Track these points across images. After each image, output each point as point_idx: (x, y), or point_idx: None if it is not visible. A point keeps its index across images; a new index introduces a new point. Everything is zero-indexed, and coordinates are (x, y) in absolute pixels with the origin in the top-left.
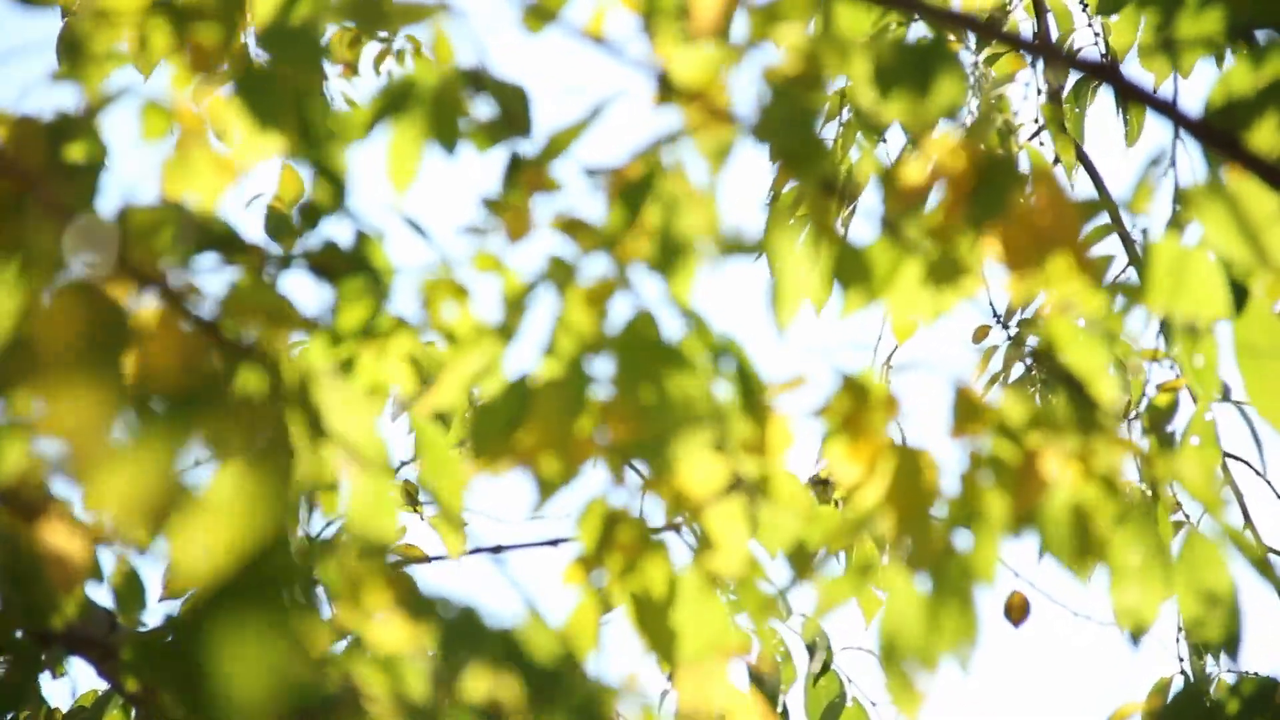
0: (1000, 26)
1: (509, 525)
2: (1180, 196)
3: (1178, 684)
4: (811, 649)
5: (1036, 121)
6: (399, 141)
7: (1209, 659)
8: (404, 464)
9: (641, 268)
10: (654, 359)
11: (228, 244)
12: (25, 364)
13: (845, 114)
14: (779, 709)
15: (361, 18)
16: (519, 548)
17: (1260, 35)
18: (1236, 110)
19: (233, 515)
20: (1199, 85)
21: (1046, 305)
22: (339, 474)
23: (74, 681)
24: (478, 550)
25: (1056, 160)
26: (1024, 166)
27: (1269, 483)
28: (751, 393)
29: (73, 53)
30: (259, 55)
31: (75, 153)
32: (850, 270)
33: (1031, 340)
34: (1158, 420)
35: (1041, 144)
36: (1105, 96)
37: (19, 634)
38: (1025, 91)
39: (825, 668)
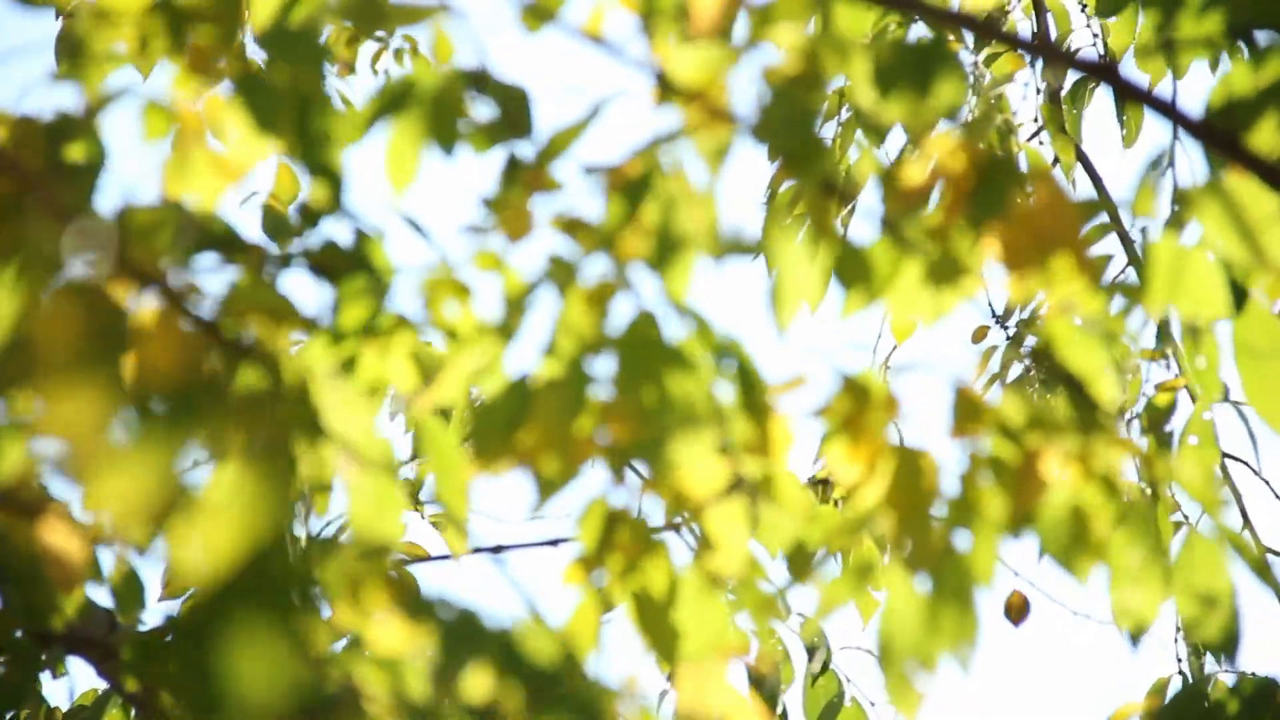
0: (999, 26)
1: (509, 525)
2: (1179, 196)
3: (1176, 684)
4: (811, 649)
5: (1036, 120)
6: (398, 141)
7: (1207, 659)
8: (404, 463)
9: (642, 268)
10: (655, 359)
11: (227, 244)
12: (25, 364)
13: (844, 113)
14: (778, 709)
15: (361, 18)
16: (519, 548)
17: (1259, 35)
18: (1237, 111)
19: (233, 515)
20: (1196, 86)
21: (1045, 305)
22: (339, 473)
23: (73, 681)
24: (478, 550)
25: (1055, 161)
26: (1023, 166)
27: (1267, 483)
28: (752, 393)
29: (72, 53)
30: (258, 55)
31: (75, 153)
32: (850, 270)
33: (1030, 340)
34: (1156, 420)
35: (1041, 143)
36: (1103, 97)
37: (19, 634)
38: (1024, 91)
39: (824, 668)
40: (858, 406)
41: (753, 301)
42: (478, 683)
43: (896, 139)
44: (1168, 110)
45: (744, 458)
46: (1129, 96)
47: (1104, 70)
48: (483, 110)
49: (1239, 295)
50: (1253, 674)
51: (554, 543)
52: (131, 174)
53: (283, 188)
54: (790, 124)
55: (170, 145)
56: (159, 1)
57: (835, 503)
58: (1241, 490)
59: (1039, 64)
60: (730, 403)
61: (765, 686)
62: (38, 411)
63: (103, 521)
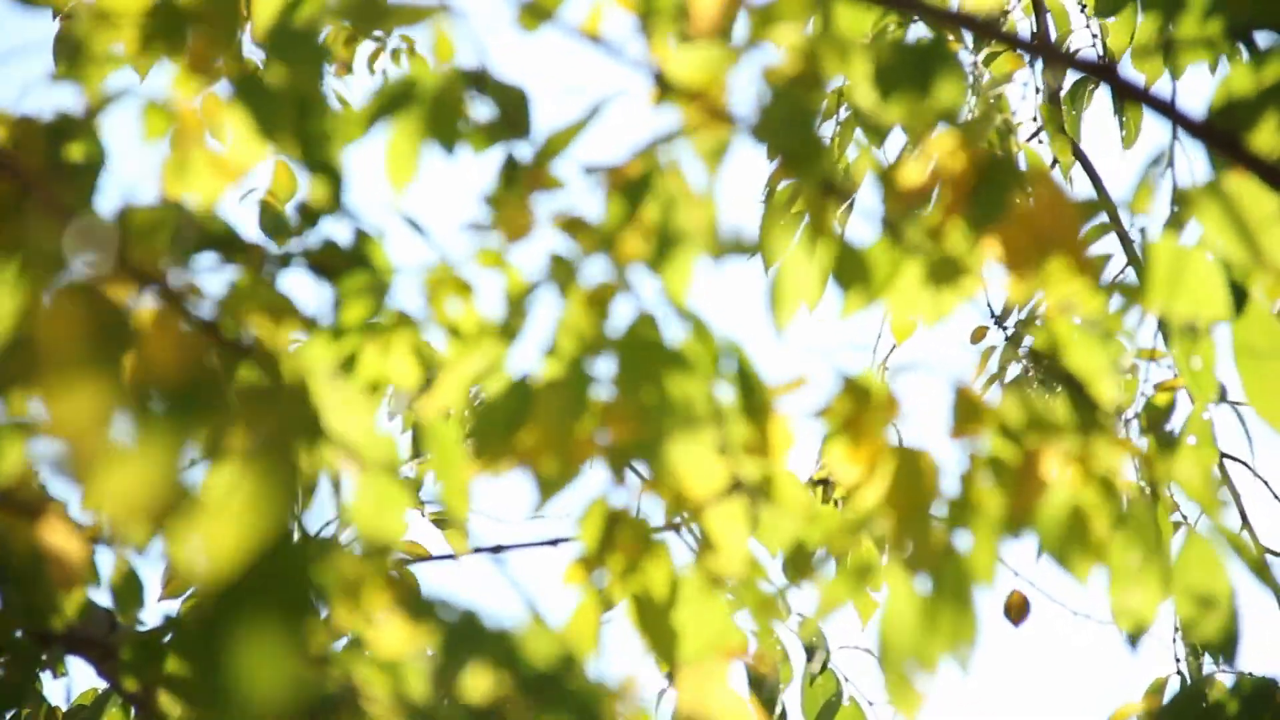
0: (999, 26)
1: (509, 525)
2: (1179, 196)
3: (1174, 684)
4: (810, 650)
5: (1035, 120)
6: (398, 141)
7: (1205, 659)
8: (404, 462)
9: (641, 268)
10: (654, 360)
11: (227, 243)
12: (25, 364)
13: (842, 113)
14: (778, 709)
15: (360, 18)
16: (519, 547)
17: (1259, 37)
18: (1237, 111)
19: (233, 514)
20: (1194, 87)
21: (1044, 305)
22: (339, 472)
23: (73, 681)
24: (478, 550)
25: (1055, 161)
26: (1022, 167)
27: (1266, 483)
28: (752, 394)
29: (70, 54)
30: (257, 55)
31: (74, 153)
32: (850, 270)
33: (1028, 340)
34: (1155, 420)
35: (1040, 142)
36: (1102, 98)
37: (19, 634)
38: (1023, 92)
39: (823, 668)
40: (858, 407)
41: (752, 301)
42: (478, 683)
43: (895, 139)
44: (1167, 110)
45: (744, 458)
46: (1129, 96)
47: (1104, 70)
48: (482, 110)
49: (1239, 296)
50: (1249, 674)
51: (554, 543)
52: (131, 174)
53: (280, 185)
54: (790, 124)
55: (169, 145)
56: (158, 2)
57: (835, 503)
58: (1240, 490)
59: (1038, 64)
60: (730, 404)
61: (765, 687)
62: (39, 411)
63: (102, 521)
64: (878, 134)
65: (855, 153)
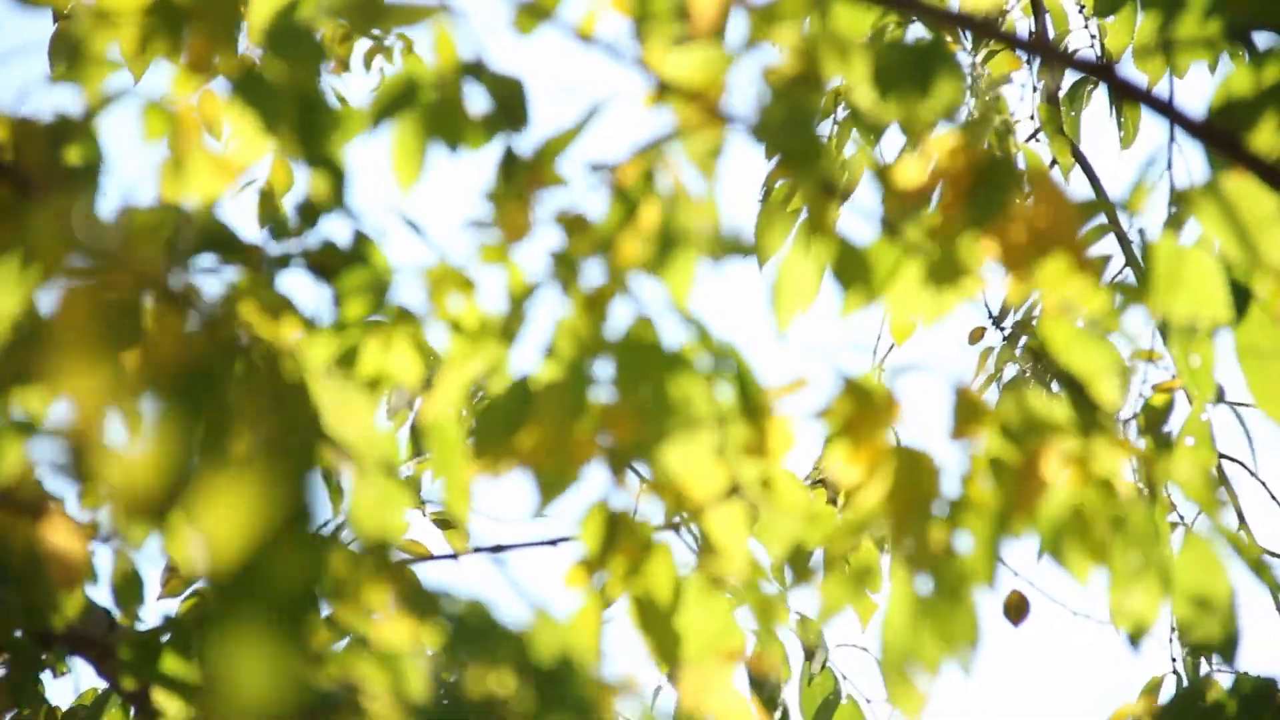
0: (998, 26)
1: (509, 525)
2: (1178, 197)
3: (1170, 684)
4: (810, 651)
5: (1033, 119)
6: (403, 140)
7: (1202, 659)
8: (404, 461)
9: (640, 270)
10: (653, 362)
11: (226, 243)
12: (26, 362)
13: (840, 112)
14: (778, 709)
15: (360, 17)
16: (519, 547)
17: (1259, 37)
18: (1237, 111)
19: (234, 513)
20: (1193, 87)
21: (1042, 306)
22: (340, 471)
23: (76, 680)
24: (478, 550)
25: (1054, 162)
26: (1020, 167)
27: (1264, 484)
28: (750, 396)
29: (69, 55)
30: (256, 54)
31: (73, 154)
32: (849, 270)
33: (1025, 341)
34: (1153, 421)
35: (1038, 140)
36: (1100, 98)
37: (19, 634)
38: (1022, 92)
39: (821, 667)
40: (859, 408)
41: (752, 302)
42: (480, 680)
43: (893, 139)
44: (1166, 110)
45: (743, 460)
46: (1128, 96)
47: (1103, 70)
48: (479, 102)
49: (1241, 296)
50: (1246, 673)
51: (554, 542)
52: (131, 175)
53: (278, 179)
54: (789, 123)
55: (167, 145)
56: (157, 1)
57: (834, 502)
58: (1238, 491)
59: (1037, 64)
60: (729, 406)
61: (765, 687)
62: (39, 410)
63: (102, 519)
64: (875, 133)
65: (853, 152)
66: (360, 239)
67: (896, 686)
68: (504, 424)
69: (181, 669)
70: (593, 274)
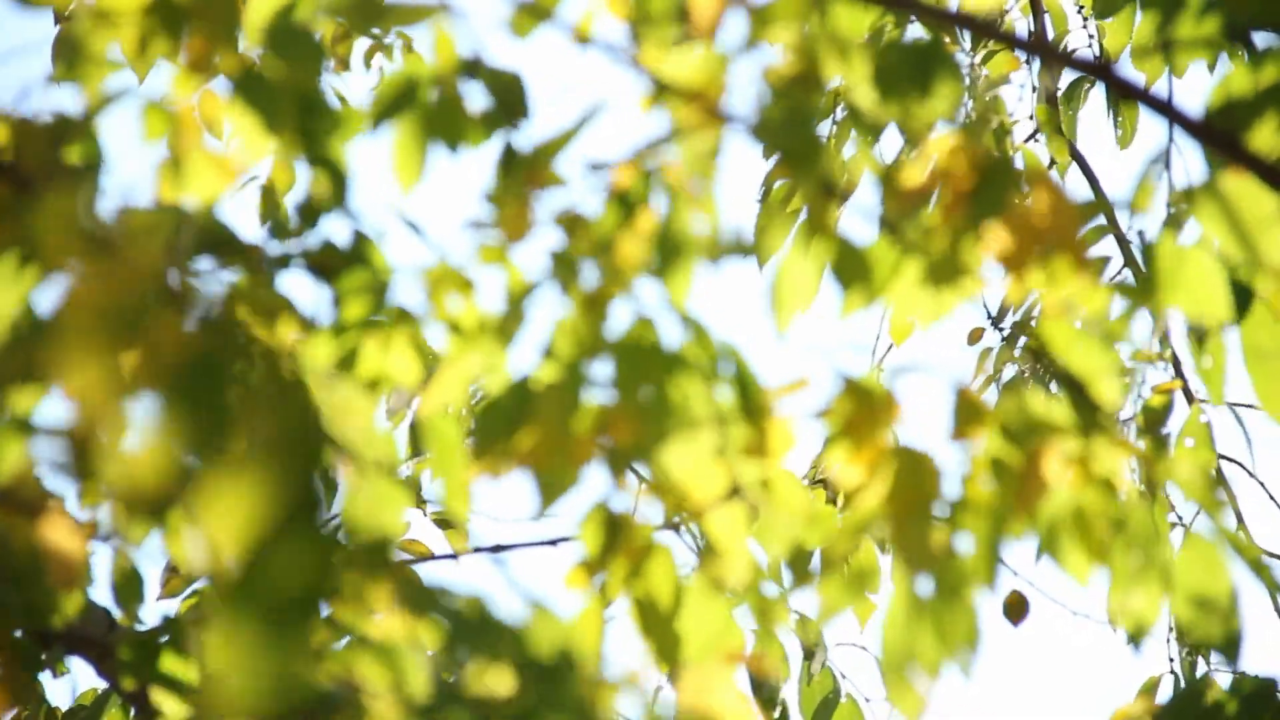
0: (997, 27)
1: (509, 524)
2: (1178, 196)
3: (1167, 684)
4: (809, 652)
5: (1031, 119)
6: (403, 140)
7: (1199, 658)
8: (403, 461)
9: (640, 271)
10: (653, 363)
11: (226, 244)
12: (23, 362)
13: (839, 113)
14: (778, 708)
15: (359, 16)
16: (519, 547)
17: (1258, 37)
18: (1236, 111)
19: (235, 511)
20: (1191, 87)
21: (1040, 306)
22: (337, 470)
23: (75, 680)
24: (478, 550)
25: (1052, 162)
26: (1019, 167)
27: (1262, 485)
28: (750, 397)
29: (71, 54)
30: (255, 54)
31: (73, 154)
32: (850, 270)
33: (1024, 341)
34: (1152, 422)
35: (1037, 140)
36: (1097, 98)
37: (19, 633)
38: (1021, 93)
39: (821, 666)
40: (859, 409)
41: (752, 302)
42: (479, 677)
43: (893, 139)
44: (1166, 110)
45: (743, 461)
46: (1127, 96)
47: (1101, 70)
48: (478, 99)
49: (1244, 297)
50: (1243, 673)
51: (554, 542)
52: (131, 175)
53: (280, 178)
54: (789, 124)
55: (167, 145)
56: (157, 1)
57: (833, 501)
58: (1236, 492)
59: (1036, 64)
60: (729, 407)
61: (765, 688)
62: (45, 405)
63: (102, 518)
64: (875, 134)
65: (852, 152)
66: (360, 239)
67: (897, 688)
68: (503, 424)
69: (181, 669)
70: (592, 274)
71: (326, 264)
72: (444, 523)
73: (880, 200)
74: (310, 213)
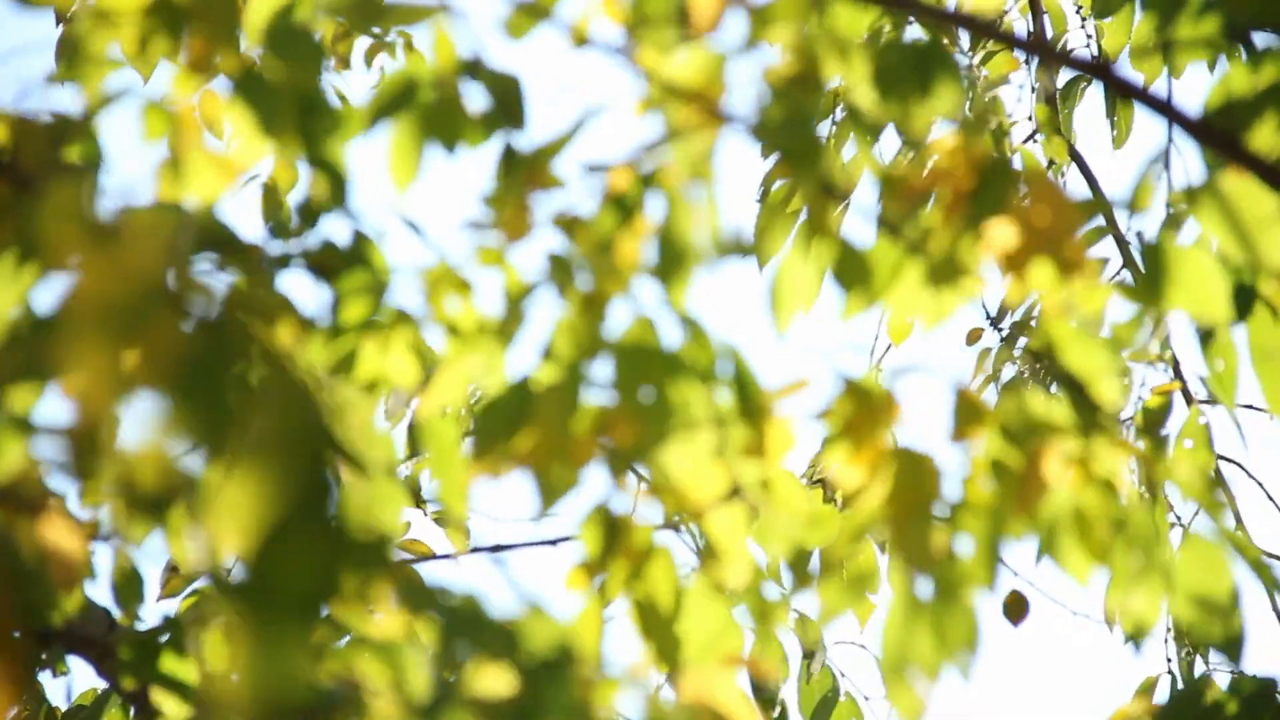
0: (996, 27)
1: (509, 523)
2: (1178, 197)
3: (1164, 684)
4: (809, 653)
5: (1030, 120)
6: (400, 140)
7: (1197, 658)
8: (401, 461)
9: (640, 272)
10: (652, 364)
11: (226, 243)
12: (23, 360)
13: (839, 113)
14: (778, 708)
15: (359, 16)
16: (519, 547)
17: (1258, 37)
18: (1235, 111)
19: (239, 509)
20: (1190, 87)
21: (1040, 306)
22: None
23: (73, 680)
24: (477, 550)
25: (1050, 163)
26: (1018, 168)
27: (1260, 485)
28: (750, 397)
29: (71, 54)
30: (256, 54)
31: (73, 154)
32: (851, 272)
33: (1023, 342)
34: (1151, 423)
35: (1035, 141)
36: (1093, 97)
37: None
38: (1020, 93)
39: (820, 665)
40: (859, 410)
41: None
42: (476, 675)
43: (893, 139)
44: (1165, 109)
45: (742, 461)
46: (1127, 96)
47: (1101, 70)
48: (477, 100)
49: (1246, 297)
50: (1240, 672)
51: (554, 542)
52: (131, 174)
53: (282, 176)
54: (789, 124)
55: (168, 145)
56: (157, 1)
57: (834, 502)
58: (1235, 492)
59: (1035, 65)
60: (729, 408)
61: (766, 690)
62: (44, 404)
63: (103, 518)
64: (874, 134)
65: (852, 153)
66: (360, 239)
67: (896, 689)
68: (503, 425)
69: (181, 669)
70: (591, 275)
71: (326, 264)
72: (444, 522)
73: (880, 201)
74: (310, 213)
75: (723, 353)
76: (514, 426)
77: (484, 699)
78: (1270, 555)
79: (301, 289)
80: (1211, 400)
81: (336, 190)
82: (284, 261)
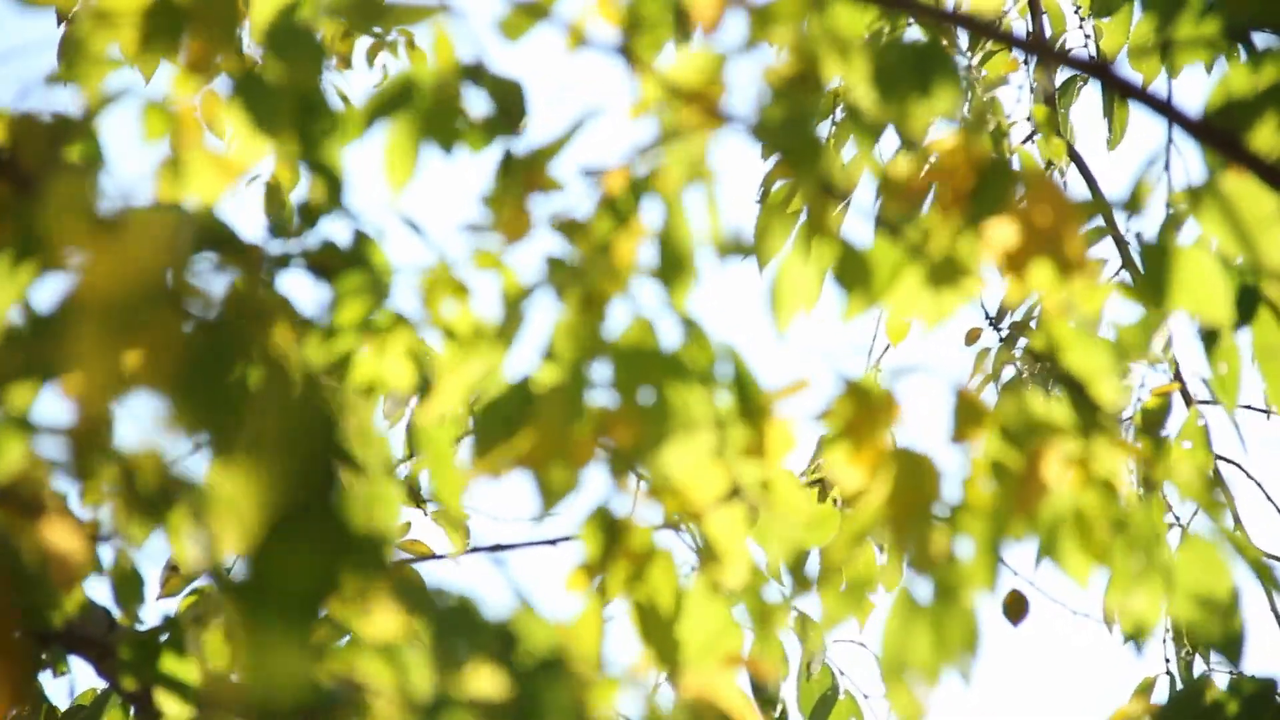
0: (995, 27)
1: (508, 523)
2: (1178, 197)
3: (1164, 684)
4: (809, 650)
5: (1029, 120)
6: (396, 141)
7: (1197, 658)
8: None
9: (637, 274)
10: (652, 365)
11: (226, 243)
12: (22, 359)
13: (839, 113)
14: (777, 707)
15: (360, 16)
16: (518, 546)
17: (1258, 37)
18: (1235, 111)
19: (233, 510)
20: (1187, 87)
21: (1039, 307)
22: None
23: (73, 680)
24: (477, 549)
25: (1049, 163)
26: (1017, 168)
27: (1259, 485)
28: (750, 398)
29: (72, 54)
30: (256, 54)
31: (73, 154)
32: (851, 272)
33: (1023, 342)
34: (1150, 424)
35: (1034, 141)
36: (1090, 97)
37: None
38: (1019, 94)
39: (819, 665)
40: (859, 410)
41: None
42: (472, 676)
43: (892, 139)
44: (1165, 109)
45: (743, 462)
46: (1125, 95)
47: (1100, 70)
48: (478, 104)
49: (1248, 298)
50: (1240, 672)
51: (554, 542)
52: (131, 174)
53: (284, 175)
54: (789, 124)
55: (168, 145)
56: (157, 1)
57: (834, 502)
58: (1234, 493)
59: (1034, 65)
60: (729, 408)
61: (766, 690)
62: (42, 404)
63: (103, 518)
64: (874, 134)
65: (851, 153)
66: (360, 239)
67: (897, 693)
68: (503, 426)
69: (181, 669)
70: (590, 277)
71: (326, 264)
72: (442, 522)
73: (879, 201)
74: (310, 213)
75: (722, 353)
76: (514, 427)
77: (482, 699)
78: (1270, 555)
79: (301, 289)
80: (1210, 401)
81: (333, 192)
82: (284, 261)
